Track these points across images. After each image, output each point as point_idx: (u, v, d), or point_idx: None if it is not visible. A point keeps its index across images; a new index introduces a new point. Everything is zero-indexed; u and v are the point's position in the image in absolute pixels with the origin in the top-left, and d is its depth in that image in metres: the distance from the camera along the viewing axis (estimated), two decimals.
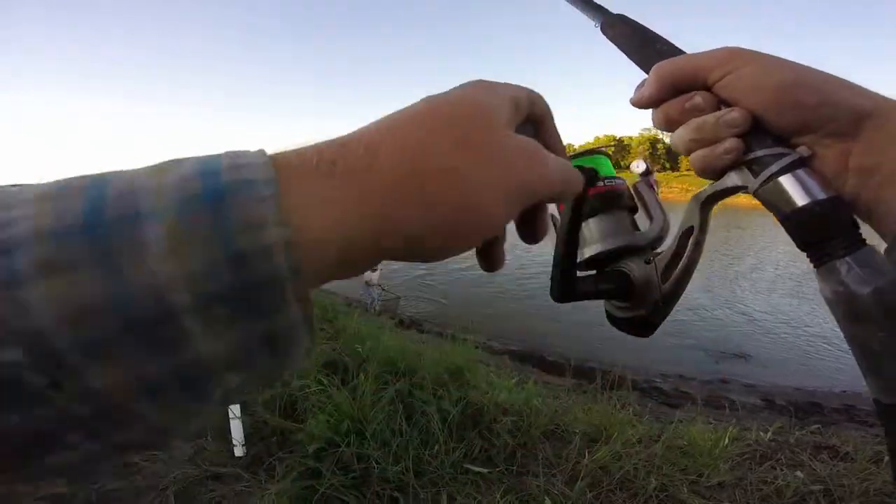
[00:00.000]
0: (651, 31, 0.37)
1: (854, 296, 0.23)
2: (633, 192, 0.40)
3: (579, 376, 5.71)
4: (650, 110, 0.34)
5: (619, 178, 0.40)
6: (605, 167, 0.40)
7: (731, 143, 0.29)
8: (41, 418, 0.14)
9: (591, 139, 79.01)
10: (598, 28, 0.40)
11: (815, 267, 0.26)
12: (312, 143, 0.20)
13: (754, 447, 2.22)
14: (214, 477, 1.81)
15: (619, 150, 73.45)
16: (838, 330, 0.25)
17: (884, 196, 0.26)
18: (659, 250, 0.36)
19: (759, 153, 0.29)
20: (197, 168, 0.16)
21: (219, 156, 0.17)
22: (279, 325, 0.16)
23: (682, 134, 0.32)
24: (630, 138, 76.47)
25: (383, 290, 9.13)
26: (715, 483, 1.86)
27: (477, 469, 1.80)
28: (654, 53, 0.34)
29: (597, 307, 0.40)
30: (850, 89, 0.27)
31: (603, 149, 0.42)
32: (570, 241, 0.36)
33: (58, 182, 0.16)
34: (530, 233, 0.28)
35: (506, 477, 1.80)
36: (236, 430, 1.90)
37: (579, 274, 0.37)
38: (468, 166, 0.20)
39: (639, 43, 0.36)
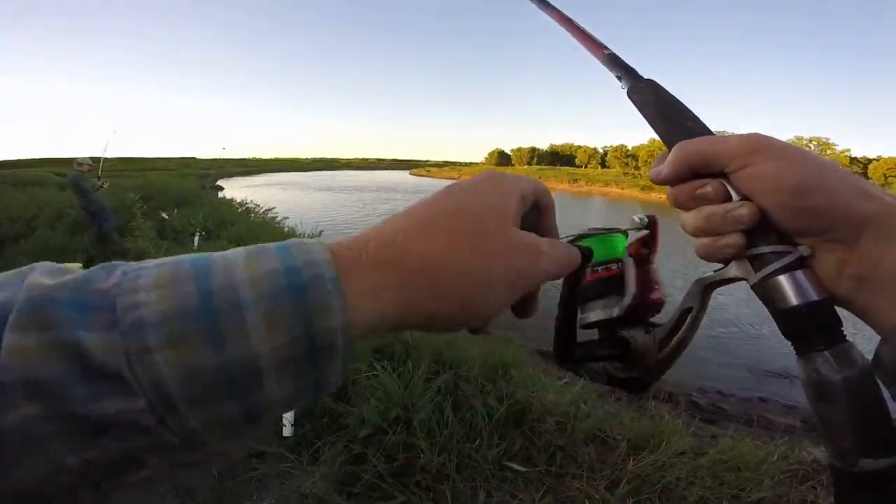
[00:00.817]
0: (680, 104, 0.37)
1: (826, 382, 0.26)
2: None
3: (610, 382, 5.58)
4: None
5: (626, 262, 0.42)
6: (620, 247, 0.43)
7: (734, 238, 0.30)
8: (137, 447, 0.19)
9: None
10: (625, 90, 0.40)
11: (796, 354, 0.29)
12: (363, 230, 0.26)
13: (797, 466, 2.15)
14: (258, 455, 1.87)
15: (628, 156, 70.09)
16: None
17: (875, 304, 0.27)
18: (658, 322, 0.39)
19: (762, 249, 0.30)
20: (281, 264, 0.21)
21: (293, 250, 0.22)
22: (326, 374, 0.22)
23: (690, 218, 0.32)
24: (639, 147, 73.45)
25: None
26: (755, 499, 1.82)
27: (517, 467, 1.82)
28: (680, 130, 0.35)
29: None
30: (860, 192, 0.28)
31: (622, 228, 0.44)
32: (567, 312, 0.39)
33: (164, 266, 0.21)
34: (523, 310, 0.32)
35: (545, 477, 1.81)
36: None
37: (585, 338, 0.41)
38: (481, 267, 0.26)
39: (665, 114, 0.37)
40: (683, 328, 0.36)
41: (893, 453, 0.25)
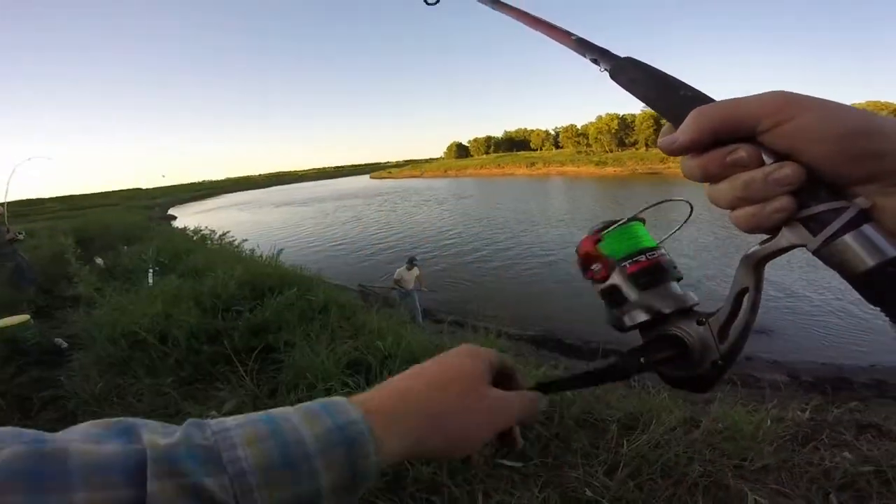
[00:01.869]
0: (670, 76, 0.35)
1: None
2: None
3: (591, 357, 5.67)
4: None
5: (659, 249, 0.41)
6: (643, 238, 0.41)
7: (782, 201, 0.28)
8: None
9: (593, 119, 78.24)
10: (607, 73, 0.39)
11: (891, 321, 0.25)
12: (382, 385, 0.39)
13: (794, 428, 2.15)
14: None
15: (623, 128, 72.70)
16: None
17: None
18: (713, 311, 0.36)
19: (816, 209, 0.27)
20: (332, 423, 0.32)
21: (337, 409, 0.33)
22: (358, 495, 0.32)
23: (725, 190, 0.30)
24: (633, 116, 75.68)
25: (423, 290, 7.41)
26: (760, 466, 1.80)
27: (510, 463, 1.74)
28: (681, 99, 0.33)
29: None
30: None
31: (638, 216, 0.42)
32: (577, 379, 0.44)
33: (246, 426, 0.30)
34: (506, 444, 0.44)
35: (542, 470, 1.73)
36: None
37: (633, 346, 0.39)
38: (466, 413, 0.37)
39: (660, 88, 0.35)
40: (742, 312, 0.33)
41: None
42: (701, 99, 0.32)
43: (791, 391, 4.89)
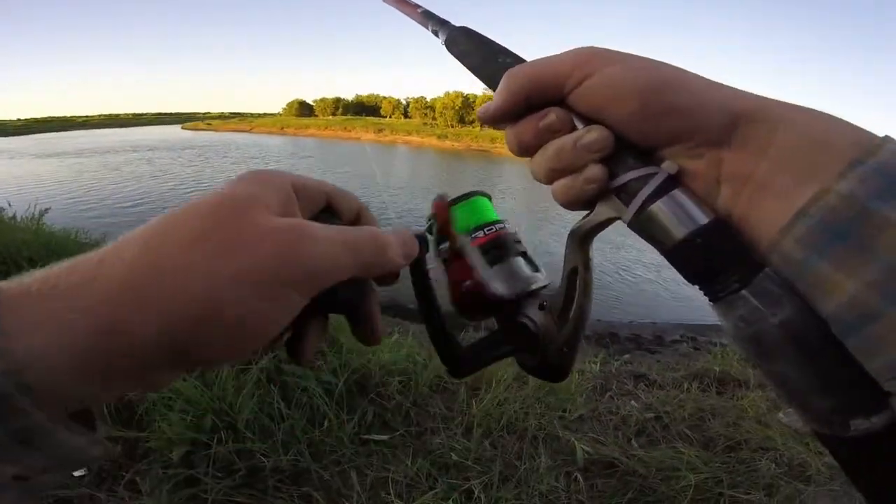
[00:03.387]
0: (497, 44, 0.34)
1: (760, 333, 0.21)
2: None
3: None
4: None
5: (501, 222, 0.37)
6: (487, 211, 0.38)
7: (593, 170, 0.26)
8: None
9: (440, 94, 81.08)
10: (443, 44, 0.37)
11: (710, 301, 0.24)
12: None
13: (593, 380, 2.58)
14: (61, 502, 1.34)
15: (465, 106, 76.79)
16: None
17: (759, 207, 0.23)
18: (549, 293, 0.34)
19: (626, 177, 0.26)
20: None
21: None
22: (22, 426, 0.17)
23: (540, 161, 0.28)
24: (475, 95, 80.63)
25: None
26: (577, 417, 2.11)
27: (377, 437, 1.69)
28: (501, 67, 0.30)
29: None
30: (726, 90, 0.24)
31: (480, 191, 0.39)
32: (428, 313, 0.33)
33: None
34: (360, 330, 0.29)
35: (408, 439, 1.73)
36: None
37: (479, 337, 0.36)
38: (206, 259, 0.19)
39: (484, 57, 0.34)
40: (577, 294, 0.31)
41: (884, 404, 0.19)
42: (518, 63, 0.30)
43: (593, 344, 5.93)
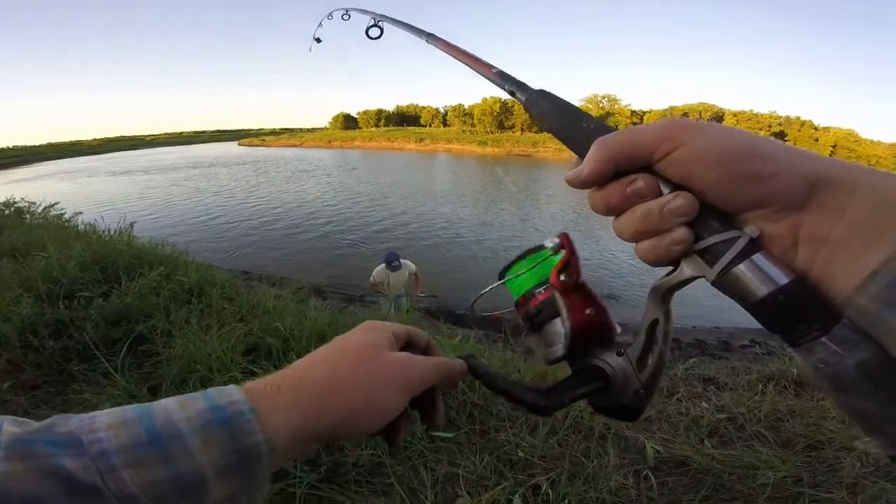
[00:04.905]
0: (577, 109, 0.36)
1: (839, 373, 0.23)
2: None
3: (486, 327, 6.00)
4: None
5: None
6: (555, 259, 0.40)
7: (679, 233, 0.28)
8: None
9: (478, 100, 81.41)
10: (524, 103, 0.41)
11: (790, 347, 0.26)
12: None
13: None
14: None
15: (504, 111, 76.37)
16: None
17: (834, 266, 0.25)
18: (630, 341, 0.36)
19: (711, 241, 0.27)
20: (207, 405, 0.29)
21: (214, 395, 0.31)
22: (258, 480, 0.30)
23: (626, 223, 0.30)
24: (513, 102, 79.56)
25: (420, 295, 5.68)
26: (645, 418, 2.07)
27: (444, 434, 1.74)
28: (585, 132, 0.33)
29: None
30: (805, 157, 0.26)
31: (543, 245, 0.41)
32: (510, 388, 0.39)
33: (113, 414, 0.27)
34: (428, 416, 0.44)
35: (473, 437, 1.78)
36: None
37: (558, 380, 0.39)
38: (364, 380, 0.35)
39: (565, 121, 0.36)
40: (658, 343, 0.34)
41: None
42: (603, 130, 0.32)
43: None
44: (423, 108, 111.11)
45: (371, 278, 5.12)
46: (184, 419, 0.28)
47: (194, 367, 2.12)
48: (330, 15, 1.24)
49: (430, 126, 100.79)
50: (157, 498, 0.24)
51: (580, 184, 0.31)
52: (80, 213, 8.02)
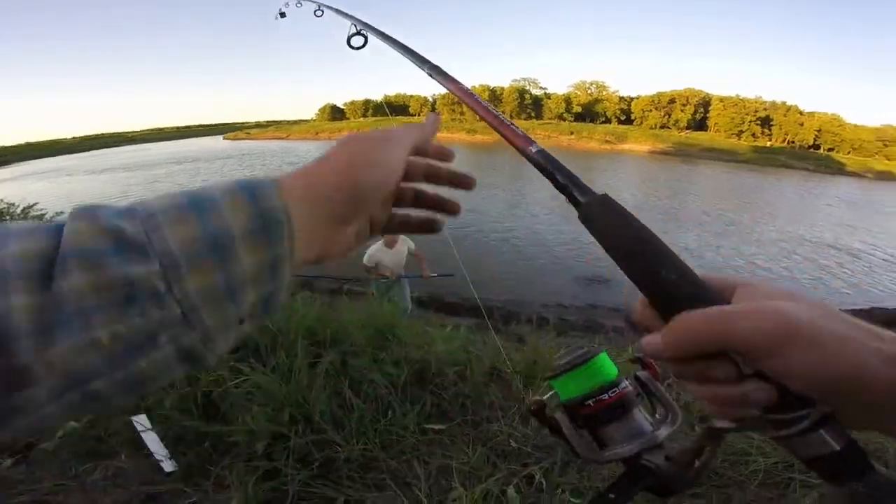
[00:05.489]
0: (654, 240, 0.32)
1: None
2: (638, 383, 0.41)
3: (478, 315, 6.03)
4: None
5: (623, 381, 0.40)
6: (606, 369, 0.40)
7: (752, 411, 0.29)
8: (154, 320, 0.24)
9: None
10: (579, 217, 0.36)
11: (830, 483, 0.28)
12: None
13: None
14: (150, 498, 1.47)
15: (493, 100, 76.13)
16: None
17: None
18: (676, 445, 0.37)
19: (783, 416, 0.28)
20: (236, 183, 0.30)
21: (244, 179, 0.31)
22: (278, 254, 0.29)
23: (697, 390, 0.31)
24: (502, 89, 79.66)
25: (426, 276, 4.78)
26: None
27: (437, 426, 1.75)
28: (665, 283, 0.31)
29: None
30: (888, 360, 0.26)
31: (597, 350, 0.41)
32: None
33: (158, 194, 0.29)
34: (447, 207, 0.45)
35: (466, 428, 1.79)
36: (153, 442, 1.55)
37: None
38: (361, 142, 0.37)
39: (636, 253, 0.32)
40: (703, 459, 0.35)
41: None
42: (687, 290, 0.30)
43: (631, 335, 5.83)
44: (412, 96, 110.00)
45: (365, 259, 4.30)
46: (215, 187, 0.29)
47: None
48: (299, 2, 1.22)
49: (419, 115, 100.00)
50: (190, 255, 0.25)
51: (653, 357, 0.31)
52: (62, 212, 7.82)
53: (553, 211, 13.30)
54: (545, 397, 0.43)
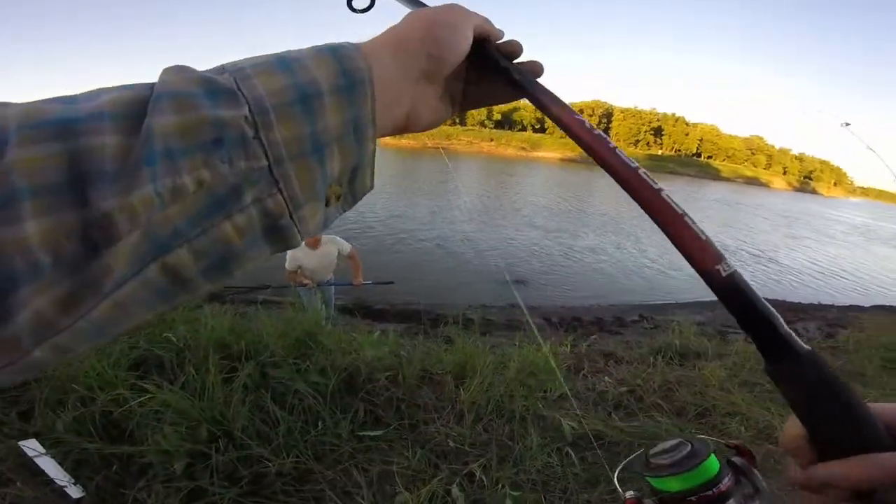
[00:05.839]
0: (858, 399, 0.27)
1: None
2: (733, 469, 0.41)
3: (405, 320, 5.97)
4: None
5: (725, 476, 0.39)
6: (712, 468, 0.40)
7: None
8: (239, 172, 0.23)
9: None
10: (773, 371, 0.29)
11: None
12: None
13: (566, 361, 2.71)
14: None
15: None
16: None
17: None
18: None
19: None
20: (325, 46, 0.30)
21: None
22: (361, 116, 0.29)
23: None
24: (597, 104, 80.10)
25: (358, 284, 4.12)
26: (557, 396, 2.22)
27: (373, 433, 1.70)
28: (859, 441, 0.27)
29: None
30: None
31: (705, 451, 0.41)
32: None
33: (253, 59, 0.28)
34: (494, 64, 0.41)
35: (403, 432, 1.76)
36: (50, 468, 1.32)
37: None
38: (434, 13, 0.36)
39: (843, 417, 0.27)
40: None
41: None
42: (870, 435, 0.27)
43: (548, 331, 6.15)
44: None
45: (287, 263, 3.65)
46: (298, 50, 0.29)
47: (70, 387, 1.82)
48: None
49: None
50: (279, 103, 0.25)
51: (813, 486, 0.28)
52: None
53: (472, 219, 13.65)
54: (633, 496, 0.42)
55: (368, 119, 0.29)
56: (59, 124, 0.20)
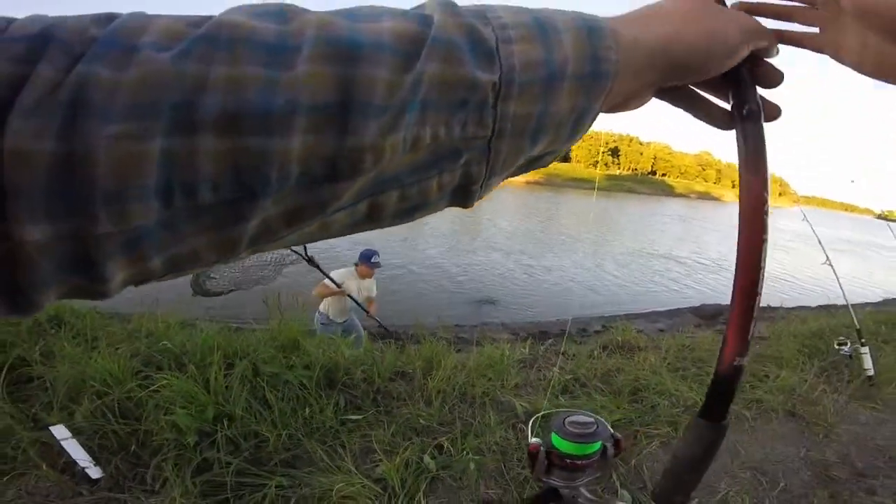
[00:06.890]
0: None
1: None
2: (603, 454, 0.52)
3: (385, 337, 6.19)
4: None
5: (598, 455, 0.52)
6: (597, 448, 0.51)
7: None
8: (466, 134, 0.23)
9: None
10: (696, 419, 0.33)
11: None
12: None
13: (522, 358, 3.07)
14: None
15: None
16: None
17: None
18: None
19: None
20: (582, 16, 0.27)
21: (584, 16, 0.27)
22: (588, 110, 0.26)
23: None
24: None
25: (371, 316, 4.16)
26: (513, 384, 2.56)
27: (355, 417, 1.97)
28: None
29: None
30: None
31: (601, 434, 0.51)
32: None
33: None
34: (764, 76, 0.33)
35: (381, 416, 2.04)
36: (75, 450, 1.53)
37: None
38: (710, 24, 0.30)
39: None
40: None
41: None
42: None
43: (517, 343, 6.51)
44: None
45: (336, 277, 3.62)
46: (558, 15, 0.26)
47: (84, 385, 2.02)
48: None
49: None
50: (527, 78, 0.23)
51: None
52: None
53: (442, 245, 14.02)
54: (536, 442, 0.53)
55: (594, 114, 0.27)
56: (347, 46, 0.20)
